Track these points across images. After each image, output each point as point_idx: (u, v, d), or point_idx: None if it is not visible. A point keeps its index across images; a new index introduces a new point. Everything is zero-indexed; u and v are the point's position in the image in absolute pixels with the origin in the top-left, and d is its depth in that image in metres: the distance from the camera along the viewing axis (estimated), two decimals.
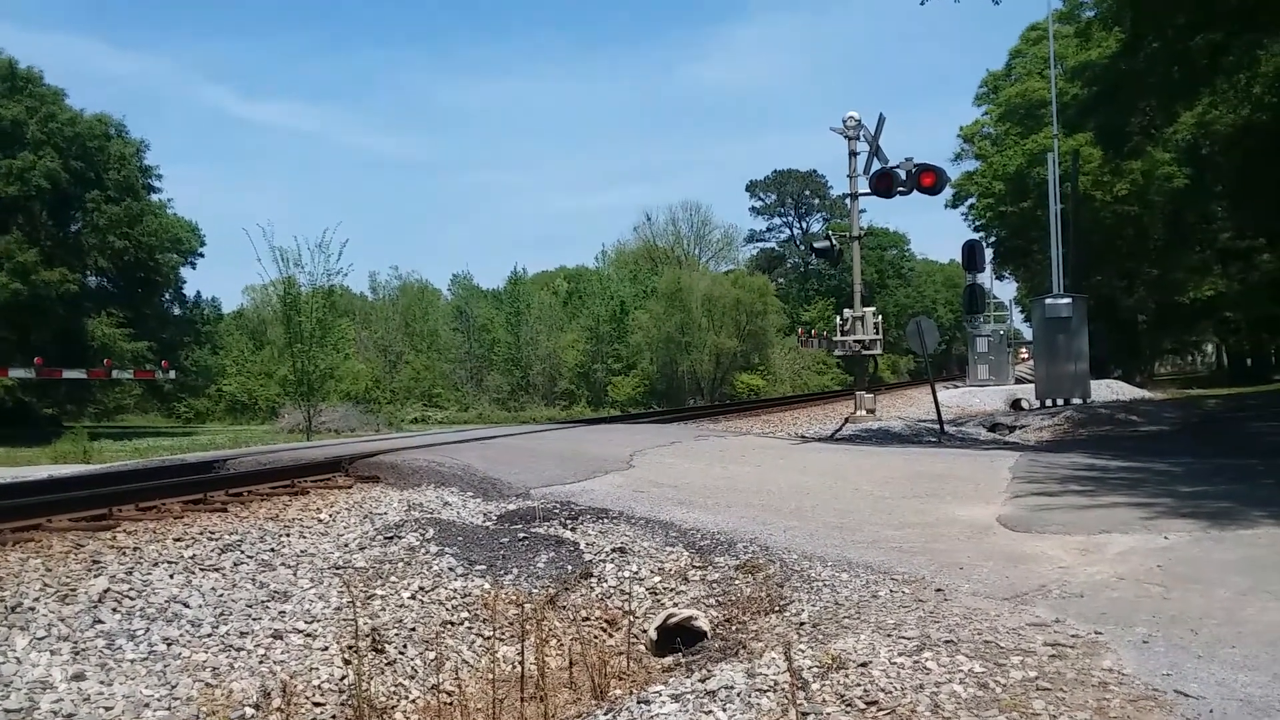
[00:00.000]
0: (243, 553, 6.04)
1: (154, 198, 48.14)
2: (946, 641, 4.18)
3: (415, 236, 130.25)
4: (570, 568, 6.32)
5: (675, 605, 5.80)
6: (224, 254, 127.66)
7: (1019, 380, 38.86)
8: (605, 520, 7.14)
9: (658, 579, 6.12)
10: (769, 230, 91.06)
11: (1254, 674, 3.73)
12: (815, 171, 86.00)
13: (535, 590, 5.99)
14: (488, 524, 7.26)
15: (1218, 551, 5.81)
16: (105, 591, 5.12)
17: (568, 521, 7.18)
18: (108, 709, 4.15)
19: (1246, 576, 5.15)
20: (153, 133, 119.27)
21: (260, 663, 4.74)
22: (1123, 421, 18.60)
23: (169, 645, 4.72)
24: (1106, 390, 30.59)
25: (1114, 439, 15.74)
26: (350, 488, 8.48)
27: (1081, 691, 3.61)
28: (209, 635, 4.88)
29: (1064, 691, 3.62)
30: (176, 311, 54.38)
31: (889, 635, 4.34)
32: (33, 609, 4.79)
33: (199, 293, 63.12)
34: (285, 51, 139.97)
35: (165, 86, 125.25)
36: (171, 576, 5.49)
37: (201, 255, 55.81)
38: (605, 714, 3.83)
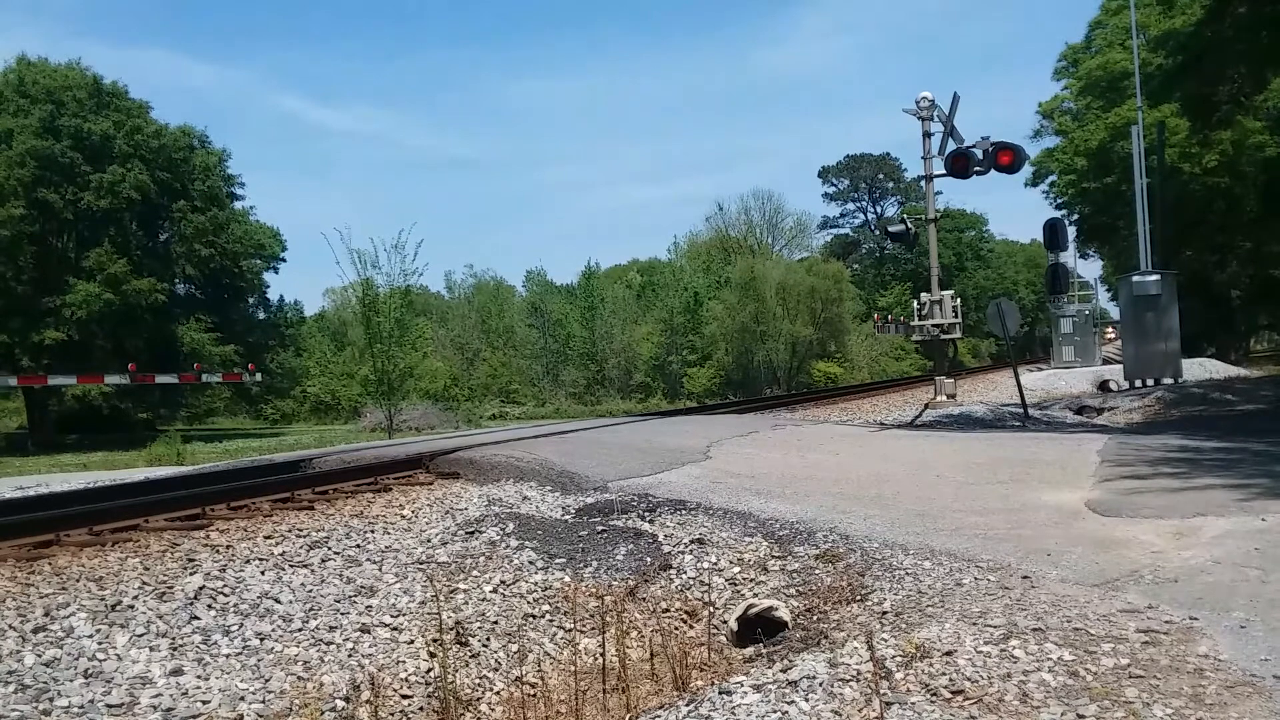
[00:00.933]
0: (330, 549, 6.19)
1: (237, 205, 49.45)
2: (1034, 629, 4.09)
3: (488, 235, 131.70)
4: (649, 559, 6.34)
5: (755, 596, 5.78)
6: (304, 258, 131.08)
7: (1106, 361, 37.81)
8: (683, 511, 7.15)
9: (737, 569, 6.10)
10: (843, 216, 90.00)
11: None
12: (889, 154, 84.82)
13: (615, 582, 6.02)
14: (566, 517, 7.31)
15: None
16: (200, 589, 5.29)
17: (645, 513, 7.20)
18: (205, 702, 4.29)
19: None
20: (231, 141, 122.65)
21: (349, 656, 4.86)
22: (1216, 401, 17.96)
23: (261, 640, 4.86)
24: (1199, 369, 29.60)
25: (1208, 419, 15.22)
26: (431, 484, 8.62)
27: (1176, 678, 3.50)
28: (299, 630, 5.01)
29: (1158, 679, 3.51)
30: (261, 316, 55.79)
31: (974, 623, 4.26)
32: (132, 607, 4.97)
33: (282, 296, 64.69)
34: (354, 57, 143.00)
35: (241, 96, 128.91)
36: (263, 573, 5.65)
37: (283, 260, 57.15)
38: (687, 705, 3.83)
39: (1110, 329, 48.24)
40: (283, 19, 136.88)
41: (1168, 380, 23.21)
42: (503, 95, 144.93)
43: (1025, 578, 4.99)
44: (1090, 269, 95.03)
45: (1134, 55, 33.18)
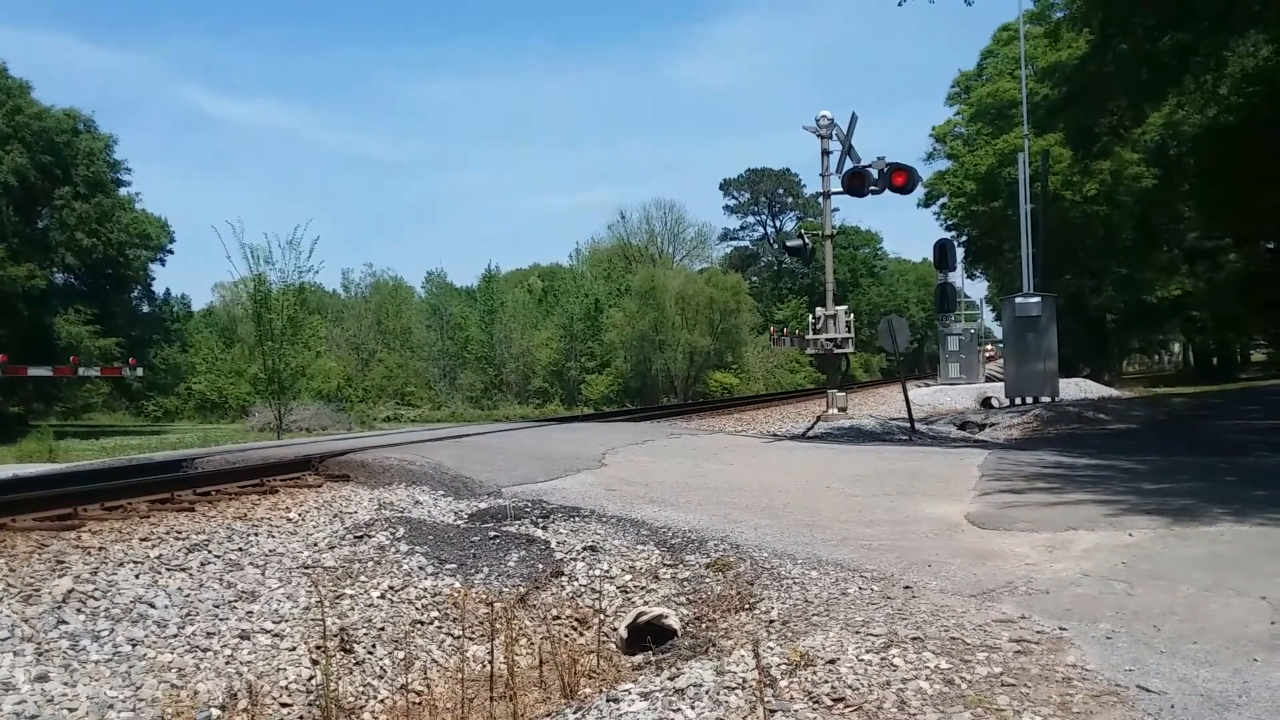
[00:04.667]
0: (210, 552, 5.99)
1: (123, 192, 47.60)
2: (913, 638, 4.22)
3: (389, 235, 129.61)
4: (541, 566, 6.31)
5: (646, 604, 5.81)
6: (195, 251, 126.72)
7: (989, 379, 39.18)
8: (577, 519, 7.14)
9: (629, 577, 6.13)
10: (743, 229, 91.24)
11: (1215, 670, 3.79)
12: (789, 170, 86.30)
13: (506, 589, 5.98)
14: (459, 523, 7.23)
15: (1181, 548, 5.88)
16: (69, 592, 5.06)
17: (539, 520, 7.18)
18: (71, 710, 4.10)
19: (1209, 573, 5.23)
20: (127, 130, 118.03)
21: (227, 663, 4.71)
22: (1090, 419, 18.79)
23: (134, 646, 4.68)
24: (1075, 388, 30.91)
25: (1081, 437, 15.90)
26: (320, 486, 8.43)
27: (1045, 687, 3.65)
28: (175, 636, 4.84)
29: (1028, 687, 3.66)
30: (145, 309, 53.75)
31: (857, 632, 4.36)
32: None
33: (168, 290, 62.44)
34: (260, 49, 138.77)
35: (140, 84, 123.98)
36: (137, 576, 5.44)
37: (171, 252, 55.12)
38: (574, 713, 3.83)
39: (989, 347, 49.95)
40: (185, 7, 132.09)
41: (1045, 399, 24.17)
42: (411, 96, 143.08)
43: (907, 588, 5.13)
44: (977, 289, 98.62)
45: (1022, 85, 34.59)
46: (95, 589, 5.18)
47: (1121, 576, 5.23)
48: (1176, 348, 74.81)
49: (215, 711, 4.34)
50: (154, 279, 53.84)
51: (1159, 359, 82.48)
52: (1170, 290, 45.23)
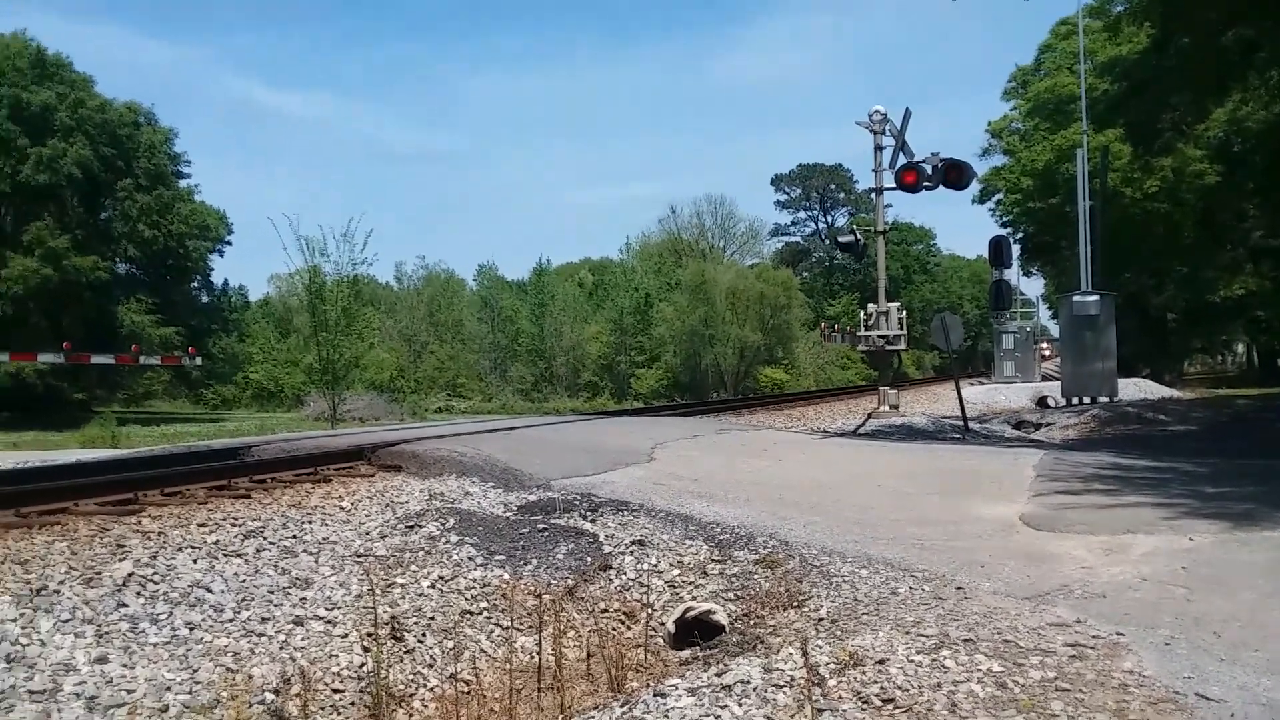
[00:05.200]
0: (265, 539, 6.10)
1: (182, 185, 48.56)
2: (965, 640, 4.16)
3: (441, 228, 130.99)
4: (589, 559, 6.33)
5: (694, 599, 5.81)
6: (251, 243, 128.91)
7: (1045, 378, 38.55)
8: (625, 512, 7.15)
9: (676, 572, 6.12)
10: (794, 224, 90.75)
11: (1277, 678, 3.69)
12: (841, 165, 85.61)
13: (554, 581, 6.01)
14: (508, 514, 7.28)
15: (1242, 553, 5.74)
16: (129, 575, 5.18)
17: (588, 513, 7.20)
18: (130, 691, 4.20)
19: (1271, 579, 5.10)
20: (181, 121, 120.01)
21: (281, 649, 4.79)
22: (1149, 420, 18.41)
23: (191, 630, 4.77)
24: (1134, 389, 30.31)
25: (1140, 438, 15.59)
26: (373, 476, 8.53)
27: (1101, 693, 3.58)
28: (230, 620, 4.93)
29: (1083, 693, 3.59)
30: (204, 299, 54.86)
31: (907, 633, 4.32)
32: (58, 592, 4.85)
33: (226, 280, 63.66)
34: (313, 43, 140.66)
35: (194, 76, 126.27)
36: (195, 561, 5.55)
37: (229, 243, 56.30)
38: (621, 706, 3.84)
39: (1045, 344, 49.12)
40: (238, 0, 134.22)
41: (1104, 399, 23.74)
42: (462, 89, 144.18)
43: (959, 589, 5.07)
44: (1033, 287, 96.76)
45: (1081, 80, 33.91)
46: (154, 573, 5.29)
47: (1181, 581, 5.12)
48: (1240, 348, 72.97)
49: (269, 695, 4.42)
50: (213, 270, 54.98)
51: (1222, 360, 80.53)
52: (1234, 289, 44.09)
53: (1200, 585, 5.03)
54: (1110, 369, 24.34)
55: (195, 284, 53.39)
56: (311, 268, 26.07)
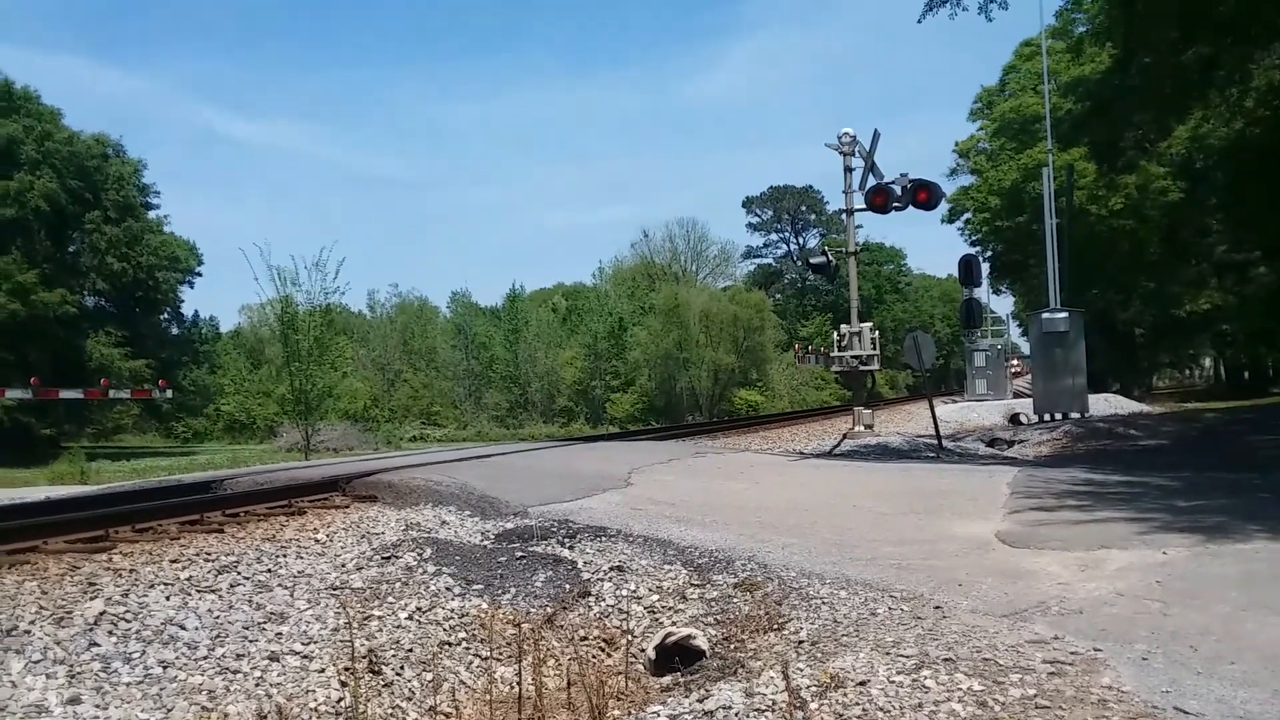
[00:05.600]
0: (239, 574, 6.03)
1: (152, 215, 48.27)
2: (945, 659, 4.17)
3: (413, 255, 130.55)
4: (568, 586, 6.30)
5: (673, 624, 5.78)
6: (222, 273, 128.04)
7: (1017, 394, 38.88)
8: (603, 538, 7.13)
9: (656, 597, 6.10)
10: (766, 246, 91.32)
11: (1253, 690, 3.73)
12: (811, 187, 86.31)
13: (533, 610, 5.98)
14: (485, 543, 7.24)
15: (1216, 567, 5.80)
16: (101, 614, 5.10)
17: (565, 540, 7.17)
18: None
19: (1244, 592, 5.15)
20: (144, 151, 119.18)
21: (256, 685, 4.72)
22: (1120, 435, 18.60)
23: (164, 668, 4.71)
24: (1104, 404, 30.61)
25: (1112, 453, 15.74)
26: (348, 507, 8.46)
27: (1080, 709, 3.60)
28: (205, 658, 4.86)
29: (1063, 709, 3.61)
30: (174, 331, 54.47)
31: (887, 653, 4.32)
32: (28, 632, 4.77)
33: (196, 312, 63.30)
34: (277, 70, 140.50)
35: (155, 104, 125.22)
36: (168, 598, 5.48)
37: (199, 274, 56.04)
38: None
39: (1016, 362, 49.57)
40: (199, 28, 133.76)
41: (1075, 415, 23.96)
42: (430, 115, 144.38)
43: (937, 608, 5.08)
44: (1003, 304, 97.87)
45: (1045, 100, 34.45)
46: (127, 611, 5.21)
47: (1156, 596, 5.16)
48: (1207, 362, 74.01)
49: None
50: (183, 301, 54.67)
51: (1189, 373, 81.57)
52: (1199, 304, 44.77)
53: (1175, 599, 5.07)
54: (1080, 385, 24.59)
55: (165, 316, 53.01)
56: (283, 297, 25.91)
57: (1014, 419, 28.50)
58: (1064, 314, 25.13)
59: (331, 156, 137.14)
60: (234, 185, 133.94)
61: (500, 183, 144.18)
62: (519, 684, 5.00)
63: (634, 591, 6.20)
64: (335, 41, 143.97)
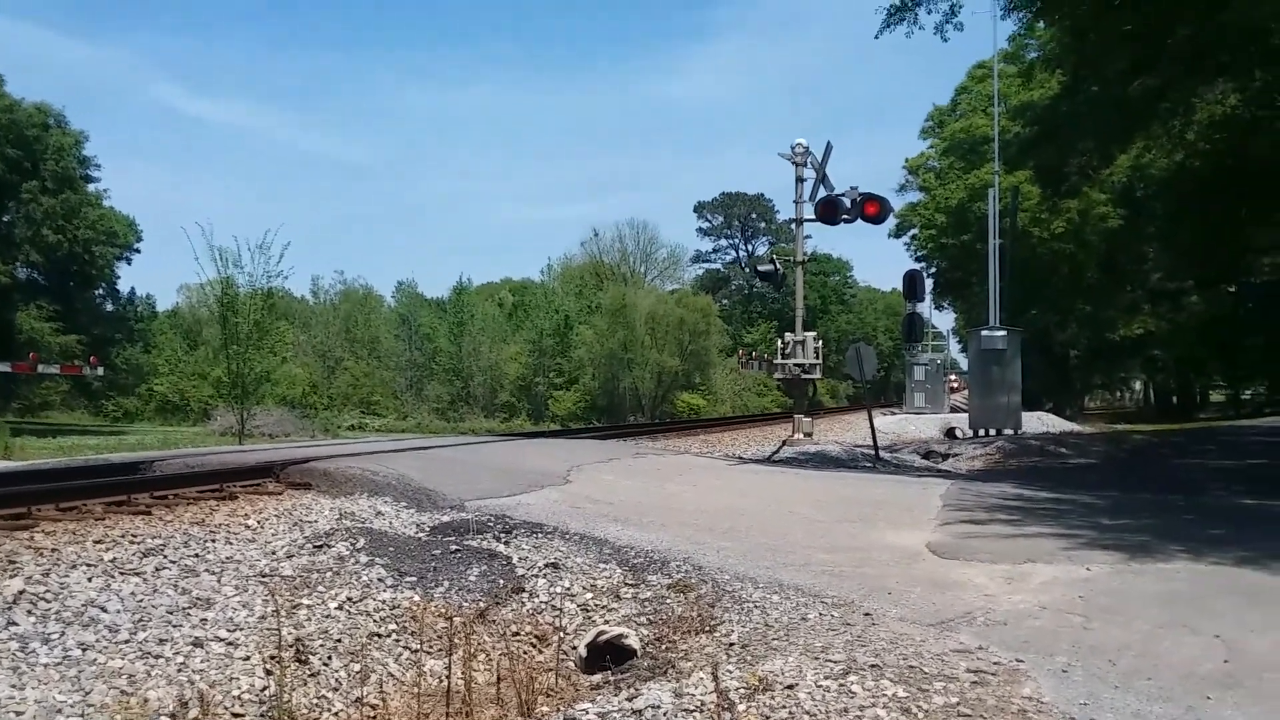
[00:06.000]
0: (165, 557, 5.91)
1: (91, 189, 47.13)
2: (872, 665, 4.23)
3: (361, 243, 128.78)
4: (502, 582, 6.28)
5: (606, 623, 5.79)
6: (163, 251, 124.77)
7: (954, 409, 39.50)
8: (539, 535, 7.11)
9: (590, 596, 6.10)
10: (715, 251, 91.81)
11: (1169, 706, 3.83)
12: (762, 195, 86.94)
13: (466, 604, 5.94)
14: (420, 535, 7.18)
15: (1137, 584, 5.95)
16: (20, 593, 4.97)
17: (501, 535, 7.14)
18: (18, 713, 4.03)
19: (1165, 610, 5.29)
20: (96, 125, 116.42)
21: (179, 671, 4.64)
22: (1052, 453, 19.00)
23: (84, 650, 4.60)
24: (1037, 422, 31.23)
25: (1042, 470, 16.07)
26: (281, 494, 8.33)
27: (1001, 718, 3.67)
28: (126, 641, 4.76)
29: (984, 718, 3.68)
30: (109, 307, 53.23)
31: (816, 658, 4.37)
32: None
33: (133, 289, 61.81)
34: (235, 50, 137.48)
35: (111, 79, 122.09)
36: (90, 580, 5.35)
37: (138, 251, 54.77)
38: None
39: (954, 378, 50.42)
40: (164, 3, 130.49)
41: (1008, 431, 24.41)
42: (388, 102, 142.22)
43: (867, 615, 5.15)
44: (944, 320, 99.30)
45: (994, 122, 35.07)
46: (47, 591, 5.09)
47: (1079, 610, 5.28)
48: (1138, 385, 75.87)
49: (166, 719, 4.27)
50: (119, 278, 53.46)
51: (1120, 396, 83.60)
52: (1133, 329, 45.94)
53: (1097, 614, 5.19)
54: (1015, 402, 25.05)
55: (100, 292, 51.79)
56: (224, 278, 25.47)
57: (950, 433, 28.94)
58: (1002, 333, 25.60)
59: (287, 139, 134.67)
60: (188, 164, 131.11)
61: (455, 174, 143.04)
62: (449, 678, 4.97)
63: (568, 589, 6.19)
64: (297, 23, 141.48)
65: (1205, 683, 4.10)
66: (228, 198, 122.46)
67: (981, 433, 24.88)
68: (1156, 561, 6.61)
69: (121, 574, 5.53)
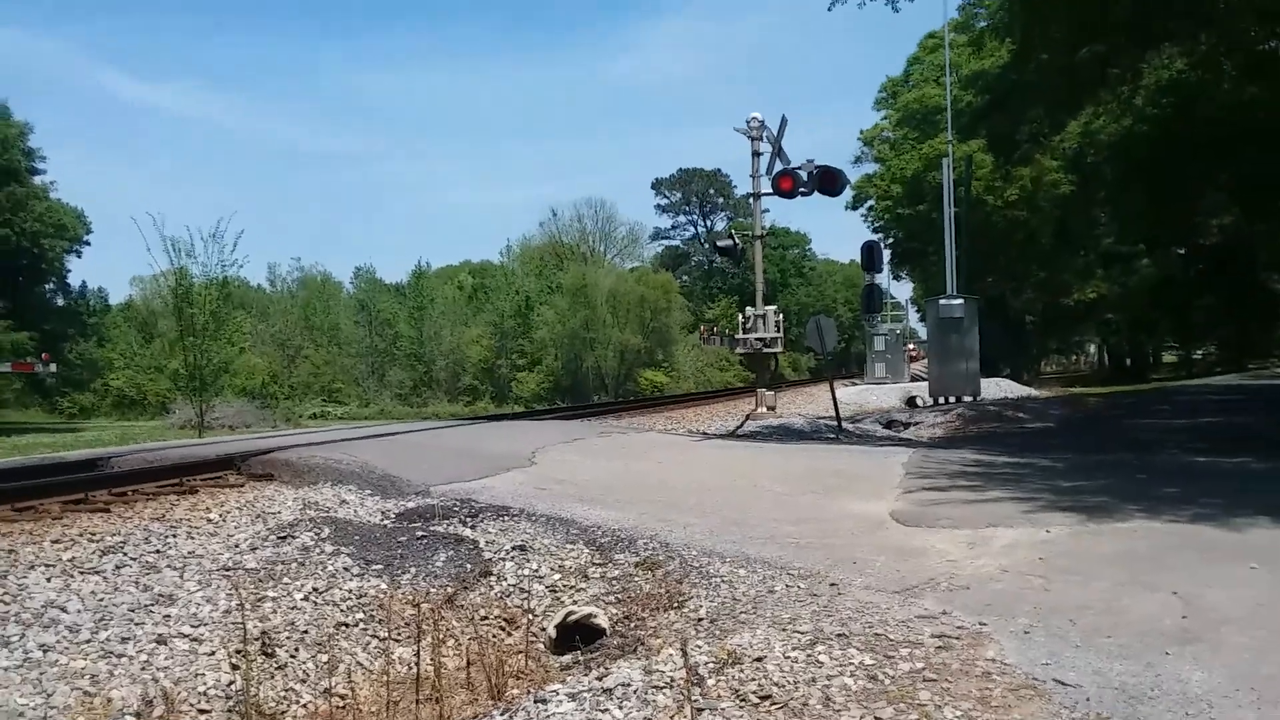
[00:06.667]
0: (126, 554, 5.83)
1: (37, 181, 46.11)
2: (839, 635, 4.28)
3: (317, 229, 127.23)
4: (469, 566, 6.26)
5: (575, 603, 5.80)
6: (113, 243, 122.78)
7: (914, 378, 39.85)
8: (505, 518, 7.10)
9: (558, 576, 6.11)
10: (674, 228, 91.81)
11: (1129, 663, 3.91)
12: (720, 171, 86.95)
13: (433, 590, 5.92)
14: (385, 522, 7.14)
15: (1096, 544, 6.06)
16: None
17: (467, 519, 7.12)
18: None
19: (1123, 569, 5.39)
20: (36, 113, 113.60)
21: (142, 669, 4.58)
22: (1010, 418, 19.25)
23: (45, 652, 4.53)
24: (995, 388, 31.60)
25: (1001, 435, 16.28)
26: (242, 486, 8.25)
27: (966, 682, 3.73)
28: (88, 641, 4.70)
29: (949, 682, 3.73)
30: (60, 302, 52.23)
31: (784, 630, 4.41)
32: None
33: (84, 283, 60.70)
34: (178, 33, 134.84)
35: (48, 65, 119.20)
36: (49, 580, 5.28)
37: (88, 243, 53.76)
38: (501, 714, 3.81)
39: (914, 347, 50.86)
40: None
41: (968, 398, 24.71)
42: (337, 87, 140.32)
43: (833, 585, 5.20)
44: (903, 290, 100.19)
45: (947, 92, 35.31)
46: (4, 593, 5.01)
47: (1039, 572, 5.37)
48: (1092, 349, 76.98)
49: (130, 718, 4.22)
50: (69, 271, 52.46)
51: (1076, 359, 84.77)
52: (1086, 294, 46.54)
53: (1057, 575, 5.28)
54: (974, 369, 25.33)
55: (50, 286, 50.81)
56: (178, 269, 25.12)
57: (910, 402, 29.22)
58: (960, 301, 25.85)
59: (236, 125, 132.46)
60: (137, 154, 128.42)
61: (410, 159, 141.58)
62: (418, 664, 4.96)
63: (536, 571, 6.20)
64: (242, 4, 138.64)
65: (1164, 639, 4.18)
66: (180, 187, 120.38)
67: (941, 401, 25.15)
68: (1114, 521, 6.73)
69: (81, 573, 5.45)
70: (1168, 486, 8.39)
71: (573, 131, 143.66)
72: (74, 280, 55.84)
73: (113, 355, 53.87)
